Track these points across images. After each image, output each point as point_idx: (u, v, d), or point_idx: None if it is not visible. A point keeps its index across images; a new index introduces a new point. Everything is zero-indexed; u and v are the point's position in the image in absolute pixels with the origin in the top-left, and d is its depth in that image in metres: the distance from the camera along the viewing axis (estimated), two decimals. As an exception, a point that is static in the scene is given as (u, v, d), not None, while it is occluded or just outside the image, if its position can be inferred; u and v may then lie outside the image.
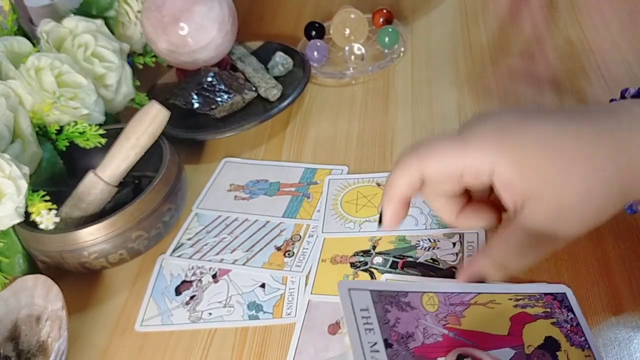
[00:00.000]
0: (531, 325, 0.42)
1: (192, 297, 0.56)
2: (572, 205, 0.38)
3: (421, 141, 0.43)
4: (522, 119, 0.39)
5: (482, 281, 0.43)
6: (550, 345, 0.41)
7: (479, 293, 0.43)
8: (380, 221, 0.46)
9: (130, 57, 0.76)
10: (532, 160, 0.38)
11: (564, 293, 0.44)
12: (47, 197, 0.56)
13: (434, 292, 0.44)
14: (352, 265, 0.55)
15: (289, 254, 0.58)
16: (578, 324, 0.42)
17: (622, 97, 0.47)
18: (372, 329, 0.39)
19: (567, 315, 0.43)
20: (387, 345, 0.39)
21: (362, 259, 0.55)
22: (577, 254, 0.51)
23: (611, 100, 0.46)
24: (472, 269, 0.44)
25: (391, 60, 0.80)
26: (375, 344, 0.39)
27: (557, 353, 0.40)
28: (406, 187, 0.43)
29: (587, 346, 0.41)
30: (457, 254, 0.53)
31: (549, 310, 0.43)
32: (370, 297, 0.42)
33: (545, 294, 0.44)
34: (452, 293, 0.43)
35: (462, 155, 0.40)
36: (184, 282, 0.58)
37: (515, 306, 0.43)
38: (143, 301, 0.57)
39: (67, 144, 0.64)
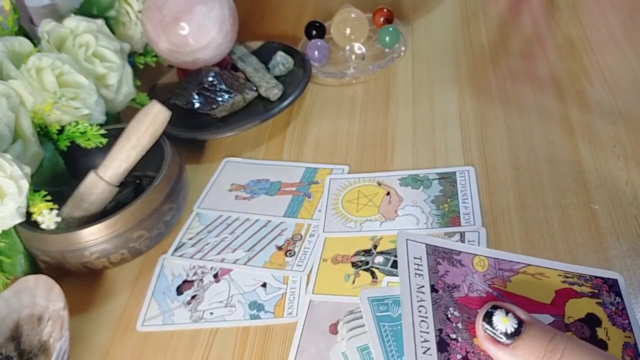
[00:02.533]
0: (575, 300, 0.43)
1: (193, 297, 0.56)
2: None
3: None
4: None
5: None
6: (590, 320, 0.41)
7: (529, 265, 0.44)
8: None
9: (131, 57, 0.76)
10: None
11: (616, 279, 0.44)
12: (49, 197, 0.57)
13: (485, 256, 0.45)
14: (353, 264, 0.55)
15: (290, 254, 0.58)
16: (624, 308, 0.42)
17: None
18: (422, 275, 0.43)
19: (614, 299, 0.43)
20: (433, 289, 0.42)
21: (363, 258, 0.55)
22: (577, 252, 0.51)
23: None
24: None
25: (392, 60, 0.80)
26: (423, 287, 0.42)
27: (597, 329, 0.41)
28: None
29: (629, 328, 0.41)
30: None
31: (596, 291, 0.43)
32: (425, 249, 0.45)
33: (596, 277, 0.45)
34: (503, 260, 0.45)
35: None
36: (185, 281, 0.58)
37: (563, 282, 0.44)
38: (144, 301, 0.57)
39: (69, 144, 0.64)
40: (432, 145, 0.66)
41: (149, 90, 0.79)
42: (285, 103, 0.72)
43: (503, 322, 0.37)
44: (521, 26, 0.82)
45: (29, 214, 0.56)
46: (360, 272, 0.54)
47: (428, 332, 0.40)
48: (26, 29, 0.71)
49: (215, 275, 0.58)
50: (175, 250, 0.61)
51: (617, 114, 0.64)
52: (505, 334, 0.37)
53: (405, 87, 0.76)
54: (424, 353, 0.39)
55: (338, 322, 0.51)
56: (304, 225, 0.60)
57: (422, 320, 0.41)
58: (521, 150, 0.62)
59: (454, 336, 0.40)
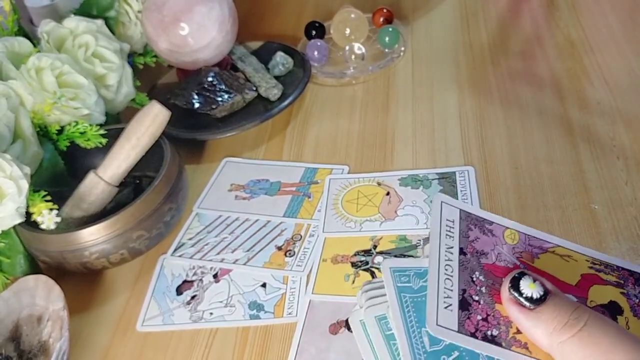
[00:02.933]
0: (600, 287, 0.43)
1: (193, 297, 0.56)
2: None
3: None
4: None
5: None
6: (613, 308, 0.42)
7: (559, 246, 0.45)
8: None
9: (131, 57, 0.76)
10: None
11: None
12: (48, 197, 0.56)
13: (517, 230, 0.46)
14: (353, 264, 0.55)
15: (289, 254, 0.58)
16: None
17: None
18: (452, 237, 0.45)
19: (639, 292, 0.43)
20: (462, 252, 0.44)
21: (363, 258, 0.55)
22: None
23: None
24: None
25: (391, 60, 0.80)
26: (452, 247, 0.44)
27: (618, 317, 0.41)
28: None
29: None
30: (458, 253, 0.53)
31: (622, 282, 0.44)
32: (459, 214, 0.47)
33: (623, 268, 0.45)
34: (534, 237, 0.45)
35: None
36: (185, 282, 0.58)
37: (590, 267, 0.44)
38: (144, 301, 0.57)
39: (68, 144, 0.64)
40: (432, 145, 0.66)
41: (149, 91, 0.79)
42: (285, 103, 0.72)
43: (530, 288, 0.38)
44: (521, 26, 0.82)
45: (28, 214, 0.56)
46: (360, 272, 0.54)
47: (452, 290, 0.41)
48: (26, 30, 0.71)
49: (215, 276, 0.58)
50: (175, 250, 0.61)
51: (616, 114, 0.64)
52: (530, 299, 0.37)
53: (405, 87, 0.76)
54: (445, 308, 0.40)
55: (338, 322, 0.51)
56: (303, 226, 0.60)
57: (447, 278, 0.42)
58: (521, 150, 0.62)
59: (476, 298, 0.41)
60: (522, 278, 0.38)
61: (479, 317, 0.40)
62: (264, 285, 0.56)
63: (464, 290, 0.42)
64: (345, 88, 0.78)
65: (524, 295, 0.38)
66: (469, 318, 0.40)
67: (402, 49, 0.81)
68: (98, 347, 0.54)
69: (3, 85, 0.61)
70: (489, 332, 0.40)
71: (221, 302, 0.55)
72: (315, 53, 0.80)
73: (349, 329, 0.50)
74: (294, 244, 0.59)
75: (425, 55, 0.80)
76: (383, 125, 0.70)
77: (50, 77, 0.62)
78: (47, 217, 0.55)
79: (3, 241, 0.58)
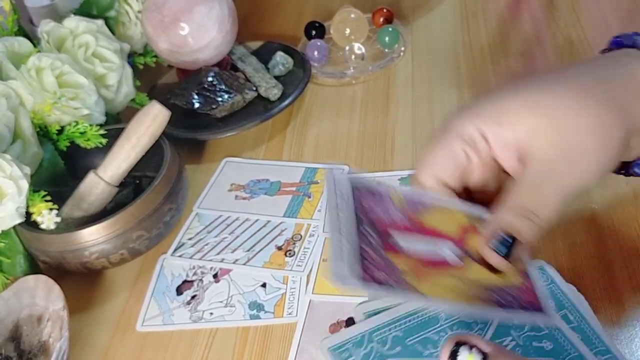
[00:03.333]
0: (473, 235, 0.42)
1: (193, 297, 0.56)
2: (574, 134, 0.38)
3: None
4: (498, 90, 0.41)
5: (513, 238, 0.39)
6: None
7: (440, 201, 0.44)
8: None
9: (131, 57, 0.76)
10: (512, 110, 0.39)
11: None
12: (48, 197, 0.56)
13: (400, 191, 0.44)
14: (353, 264, 0.55)
15: (290, 254, 0.58)
16: None
17: (608, 49, 0.45)
18: (346, 203, 0.42)
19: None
20: (357, 217, 0.42)
21: (363, 258, 0.55)
22: (578, 252, 0.51)
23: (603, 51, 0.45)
24: (495, 224, 0.39)
25: (391, 60, 0.80)
26: (344, 211, 0.42)
27: None
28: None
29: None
30: (458, 253, 0.53)
31: None
32: (350, 184, 0.45)
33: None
34: (417, 194, 0.44)
35: (454, 136, 0.41)
36: (185, 281, 0.58)
37: (468, 220, 0.43)
38: (144, 301, 0.57)
39: (68, 144, 0.64)
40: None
41: (149, 91, 0.79)
42: (285, 103, 0.72)
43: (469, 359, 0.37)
44: (521, 26, 0.82)
45: (28, 214, 0.56)
46: (360, 272, 0.54)
47: (352, 248, 0.40)
48: (26, 29, 0.71)
49: (215, 276, 0.58)
50: (175, 250, 0.61)
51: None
52: None
53: (405, 87, 0.76)
54: (346, 262, 0.39)
55: (338, 322, 0.51)
56: (303, 225, 0.60)
57: (346, 239, 0.40)
58: (521, 150, 0.62)
59: (371, 252, 0.40)
60: (459, 352, 0.38)
61: (377, 268, 0.40)
62: (264, 285, 0.56)
63: (361, 248, 0.40)
64: (345, 88, 0.78)
65: None
66: (369, 270, 0.40)
67: (402, 49, 0.81)
68: (98, 347, 0.54)
69: (3, 85, 0.61)
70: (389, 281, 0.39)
71: (221, 302, 0.55)
72: (315, 53, 0.80)
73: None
74: (294, 244, 0.59)
75: (425, 55, 0.80)
76: (383, 125, 0.70)
77: (50, 77, 0.62)
78: (47, 217, 0.55)
79: (3, 241, 0.58)
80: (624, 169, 0.44)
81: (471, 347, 0.35)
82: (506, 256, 0.38)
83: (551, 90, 0.39)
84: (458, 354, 0.35)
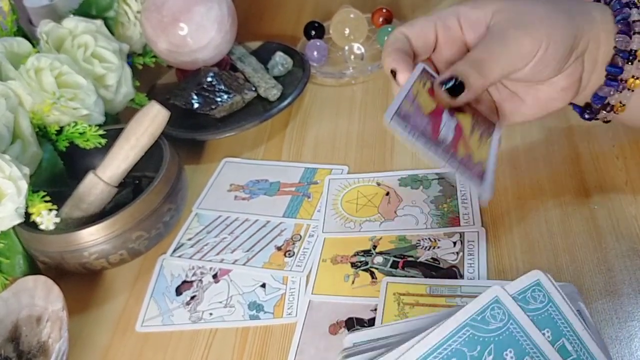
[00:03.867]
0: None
1: (192, 298, 0.56)
2: (528, 15, 0.46)
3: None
4: None
5: (462, 83, 0.45)
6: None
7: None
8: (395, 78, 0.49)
9: (130, 58, 0.76)
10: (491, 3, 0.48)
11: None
12: (48, 198, 0.56)
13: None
14: (353, 265, 0.55)
15: (289, 254, 0.58)
16: None
17: None
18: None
19: None
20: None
21: (362, 258, 0.55)
22: (578, 252, 0.51)
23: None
24: (453, 68, 0.46)
25: (391, 60, 0.80)
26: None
27: None
28: (402, 41, 0.49)
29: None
30: (457, 253, 0.53)
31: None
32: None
33: None
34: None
35: (434, 17, 0.50)
36: (184, 282, 0.58)
37: None
38: (144, 301, 0.57)
39: (67, 145, 0.63)
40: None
41: (148, 91, 0.79)
42: (285, 103, 0.72)
43: None
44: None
45: (27, 215, 0.56)
46: (360, 272, 0.54)
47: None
48: (25, 30, 0.71)
49: (215, 276, 0.58)
50: (175, 250, 0.61)
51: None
52: None
53: (404, 87, 0.75)
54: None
55: (338, 322, 0.51)
56: (303, 226, 0.60)
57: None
58: (520, 150, 0.62)
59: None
60: None
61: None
62: (263, 285, 0.56)
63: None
64: (345, 88, 0.78)
65: None
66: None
67: (402, 49, 0.81)
68: (97, 348, 0.54)
69: (2, 85, 0.61)
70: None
71: (221, 302, 0.55)
72: (315, 53, 0.80)
73: (348, 329, 0.50)
74: (294, 244, 0.59)
75: (424, 55, 0.80)
76: (382, 125, 0.69)
77: (50, 78, 0.62)
78: (46, 218, 0.55)
79: (2, 242, 0.58)
80: (588, 110, 0.53)
81: None
82: (456, 95, 0.46)
83: None
84: None
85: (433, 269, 0.52)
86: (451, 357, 0.40)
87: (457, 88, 0.45)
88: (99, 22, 0.70)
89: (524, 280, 0.42)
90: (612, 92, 0.50)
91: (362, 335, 0.45)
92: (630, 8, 0.49)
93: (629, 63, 0.48)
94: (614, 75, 0.49)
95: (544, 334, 0.41)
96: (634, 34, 0.48)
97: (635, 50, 0.48)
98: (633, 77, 0.48)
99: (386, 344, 0.43)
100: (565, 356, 0.40)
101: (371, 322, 0.50)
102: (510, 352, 0.40)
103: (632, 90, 0.49)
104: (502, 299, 0.41)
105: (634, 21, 0.48)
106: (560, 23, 0.46)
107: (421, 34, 0.49)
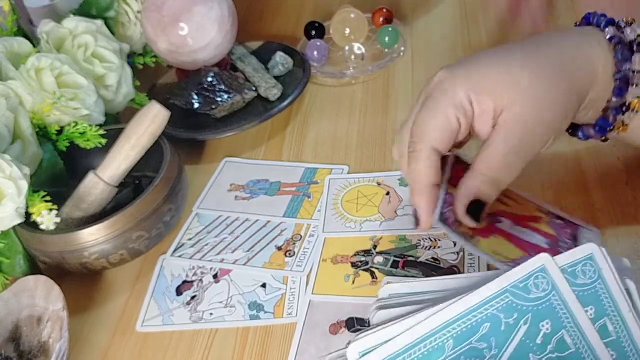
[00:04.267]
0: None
1: (193, 297, 0.56)
2: (539, 109, 0.44)
3: (413, 121, 0.48)
4: (484, 54, 0.47)
5: (478, 201, 0.45)
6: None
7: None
8: (417, 222, 0.48)
9: (130, 57, 0.76)
10: (494, 77, 0.45)
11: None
12: (48, 198, 0.56)
13: None
14: (353, 264, 0.55)
15: (289, 254, 0.58)
16: None
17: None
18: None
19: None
20: None
21: (362, 258, 0.55)
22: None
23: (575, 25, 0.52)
24: (468, 191, 0.45)
25: (391, 60, 0.80)
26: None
27: None
28: (430, 172, 0.46)
29: None
30: (457, 252, 0.53)
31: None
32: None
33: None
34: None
35: (448, 105, 0.45)
36: (184, 282, 0.58)
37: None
38: (144, 301, 0.57)
39: (68, 145, 0.63)
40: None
41: (148, 91, 0.79)
42: (285, 103, 0.72)
43: None
44: (520, 26, 0.82)
45: (28, 215, 0.56)
46: (360, 272, 0.54)
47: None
48: (25, 30, 0.71)
49: (215, 276, 0.58)
50: (175, 250, 0.61)
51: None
52: None
53: (404, 87, 0.75)
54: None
55: (338, 322, 0.51)
56: (303, 225, 0.60)
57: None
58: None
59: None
60: None
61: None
62: (263, 285, 0.56)
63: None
64: (345, 88, 0.78)
65: None
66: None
67: (402, 48, 0.81)
68: (98, 348, 0.54)
69: (2, 85, 0.61)
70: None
71: (221, 302, 0.55)
72: (315, 53, 0.80)
73: (349, 329, 0.50)
74: (294, 244, 0.59)
75: (424, 55, 0.80)
76: (383, 125, 0.70)
77: (50, 78, 0.62)
78: (46, 218, 0.55)
79: (2, 241, 0.58)
80: (571, 128, 0.52)
81: None
82: (479, 215, 0.45)
83: (527, 66, 0.45)
84: None
85: (433, 269, 0.52)
86: (486, 321, 0.39)
87: (479, 207, 0.45)
88: (99, 22, 0.70)
89: (577, 253, 0.40)
90: (613, 119, 0.48)
91: (399, 287, 0.44)
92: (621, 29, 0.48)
93: (633, 85, 0.46)
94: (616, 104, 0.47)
95: (586, 311, 0.39)
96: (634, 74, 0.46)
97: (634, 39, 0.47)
98: (638, 97, 0.46)
99: (422, 300, 0.42)
100: (604, 336, 0.39)
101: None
102: (547, 323, 0.39)
103: (637, 111, 0.47)
104: (549, 268, 0.40)
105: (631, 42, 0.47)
106: (569, 114, 0.46)
107: (449, 138, 0.46)
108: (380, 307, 0.43)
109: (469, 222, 0.45)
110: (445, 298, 0.41)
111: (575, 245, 0.45)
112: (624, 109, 0.47)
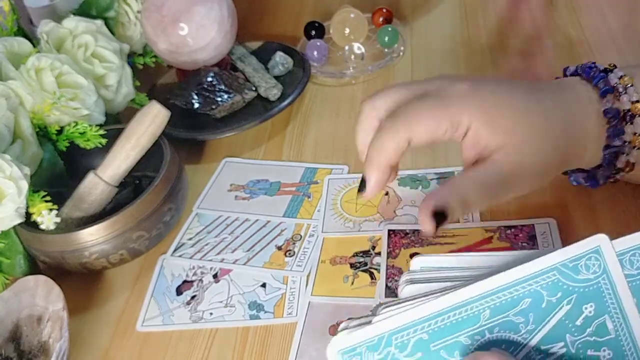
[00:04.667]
0: None
1: (193, 297, 0.56)
2: (531, 157, 0.45)
3: (400, 106, 0.46)
4: (495, 86, 0.46)
5: (442, 213, 0.44)
6: None
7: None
8: (361, 188, 0.47)
9: (131, 58, 0.76)
10: (504, 120, 0.44)
11: None
12: (48, 198, 0.57)
13: None
14: (352, 265, 0.55)
15: (289, 254, 0.58)
16: None
17: (564, 75, 0.53)
18: None
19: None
20: None
21: (361, 259, 0.55)
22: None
23: (556, 78, 0.52)
24: (439, 200, 0.44)
25: (391, 60, 0.80)
26: None
27: None
28: (394, 153, 0.45)
29: None
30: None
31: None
32: None
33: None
34: None
35: (447, 116, 0.44)
36: (184, 282, 0.58)
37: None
38: (144, 301, 0.57)
39: (68, 145, 0.64)
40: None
41: (148, 91, 0.79)
42: (285, 103, 0.72)
43: None
44: (520, 25, 0.82)
45: (28, 215, 0.56)
46: (359, 273, 0.54)
47: None
48: (25, 30, 0.71)
49: (215, 276, 0.58)
50: (175, 250, 0.61)
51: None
52: None
53: (404, 87, 0.75)
54: None
55: (338, 323, 0.51)
56: (303, 225, 0.60)
57: None
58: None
59: None
60: None
61: None
62: (263, 285, 0.56)
63: None
64: (345, 88, 0.78)
65: None
66: None
67: (402, 48, 0.81)
68: (98, 348, 0.54)
69: (2, 85, 0.61)
70: None
71: (221, 302, 0.55)
72: (315, 53, 0.80)
73: (348, 329, 0.50)
74: (294, 244, 0.59)
75: (424, 55, 0.80)
76: (382, 125, 0.70)
77: (50, 78, 0.62)
78: (46, 218, 0.55)
79: (3, 241, 0.58)
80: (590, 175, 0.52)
81: None
82: (438, 226, 0.44)
83: (535, 124, 0.45)
84: None
85: (433, 269, 0.52)
86: (528, 296, 0.38)
87: (440, 219, 0.44)
88: (100, 22, 0.70)
89: (627, 242, 0.38)
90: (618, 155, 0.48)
91: (432, 261, 0.42)
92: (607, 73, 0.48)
93: (628, 123, 0.46)
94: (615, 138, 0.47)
95: (634, 301, 0.38)
96: (626, 120, 0.46)
97: (628, 110, 0.46)
98: (635, 134, 0.46)
99: (453, 277, 0.41)
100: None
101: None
102: (591, 306, 0.38)
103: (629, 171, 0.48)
104: (604, 251, 0.38)
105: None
106: (556, 171, 0.48)
107: (426, 140, 0.46)
108: (411, 281, 0.41)
109: (428, 225, 0.44)
110: (479, 277, 0.39)
111: (534, 246, 0.49)
112: (613, 171, 0.49)
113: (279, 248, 0.58)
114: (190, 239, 0.62)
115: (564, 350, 0.38)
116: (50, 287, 0.53)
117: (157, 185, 0.58)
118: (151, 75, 0.81)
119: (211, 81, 0.73)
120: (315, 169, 0.66)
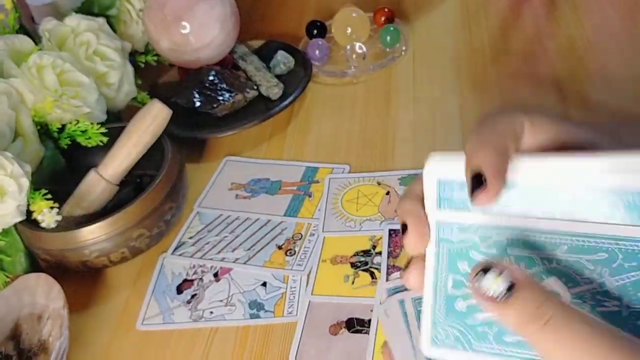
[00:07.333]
0: None
1: (193, 296, 0.56)
2: None
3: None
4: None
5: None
6: None
7: None
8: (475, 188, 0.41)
9: (132, 56, 0.76)
10: None
11: None
12: (49, 196, 0.57)
13: None
14: (353, 265, 0.55)
15: (290, 253, 0.58)
16: None
17: None
18: None
19: None
20: None
21: (362, 259, 0.55)
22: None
23: None
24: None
25: (392, 59, 0.80)
26: None
27: None
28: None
29: None
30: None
31: None
32: None
33: None
34: None
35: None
36: (185, 280, 0.58)
37: None
38: (144, 300, 0.57)
39: (69, 142, 0.64)
40: (433, 144, 0.66)
41: (150, 89, 0.79)
42: (286, 102, 0.72)
43: (495, 282, 0.37)
44: (522, 26, 0.82)
45: (29, 213, 0.56)
46: (360, 272, 0.54)
47: None
48: (27, 28, 0.71)
49: (215, 275, 0.58)
50: (176, 249, 0.61)
51: (617, 113, 0.64)
52: (496, 294, 0.37)
53: (405, 86, 0.75)
54: None
55: (338, 322, 0.51)
56: (304, 225, 0.60)
57: None
58: (522, 150, 0.62)
59: None
60: (488, 271, 0.38)
61: None
62: (264, 284, 0.56)
63: None
64: (346, 87, 0.78)
65: (491, 291, 0.38)
66: None
67: (403, 48, 0.81)
68: (98, 346, 0.54)
69: (4, 83, 0.61)
70: None
71: (221, 301, 0.55)
72: (317, 52, 0.80)
73: (349, 329, 0.50)
74: (295, 243, 0.59)
75: (426, 55, 0.80)
76: (384, 125, 0.70)
77: (52, 75, 0.62)
78: (47, 216, 0.55)
79: (4, 239, 0.58)
80: None
81: (500, 272, 0.35)
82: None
83: None
84: (487, 273, 0.35)
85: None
86: (604, 251, 0.38)
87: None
88: (101, 20, 0.70)
89: None
90: None
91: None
92: None
93: None
94: None
95: None
96: None
97: None
98: None
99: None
100: None
101: (372, 323, 0.50)
102: None
103: None
104: None
105: None
106: None
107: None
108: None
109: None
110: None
111: None
112: None
113: (280, 247, 0.58)
114: (190, 237, 0.62)
115: (616, 309, 0.38)
116: (50, 285, 0.53)
117: (158, 184, 0.58)
118: (153, 74, 0.81)
119: (213, 80, 0.73)
120: (316, 168, 0.66)
